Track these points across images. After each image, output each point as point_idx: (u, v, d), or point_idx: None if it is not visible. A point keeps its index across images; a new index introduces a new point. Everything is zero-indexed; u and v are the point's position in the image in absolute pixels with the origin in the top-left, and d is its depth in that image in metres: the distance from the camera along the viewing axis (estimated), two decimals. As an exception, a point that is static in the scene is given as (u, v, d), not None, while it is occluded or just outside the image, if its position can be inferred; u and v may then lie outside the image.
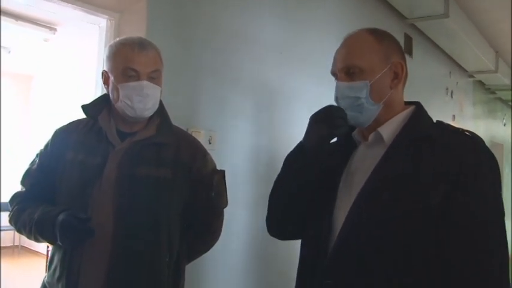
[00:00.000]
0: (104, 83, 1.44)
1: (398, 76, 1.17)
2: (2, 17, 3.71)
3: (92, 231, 1.27)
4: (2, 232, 5.84)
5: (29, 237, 1.42)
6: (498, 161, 1.11)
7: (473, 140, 1.10)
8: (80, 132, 1.44)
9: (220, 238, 1.65)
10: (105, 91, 1.48)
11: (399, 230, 1.04)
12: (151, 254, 1.38)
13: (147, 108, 1.39)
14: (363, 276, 1.07)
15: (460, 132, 1.13)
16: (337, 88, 1.17)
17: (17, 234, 6.25)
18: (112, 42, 1.45)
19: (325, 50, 3.10)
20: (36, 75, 7.07)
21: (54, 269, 1.37)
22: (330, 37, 3.08)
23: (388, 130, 1.16)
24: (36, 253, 6.14)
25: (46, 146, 1.48)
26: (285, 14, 2.72)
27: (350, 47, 1.19)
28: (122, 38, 1.45)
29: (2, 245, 6.02)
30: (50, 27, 4.32)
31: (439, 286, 1.01)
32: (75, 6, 1.92)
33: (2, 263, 5.55)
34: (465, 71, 6.00)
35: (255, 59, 2.49)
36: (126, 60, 1.36)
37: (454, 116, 5.51)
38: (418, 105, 1.21)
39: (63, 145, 1.43)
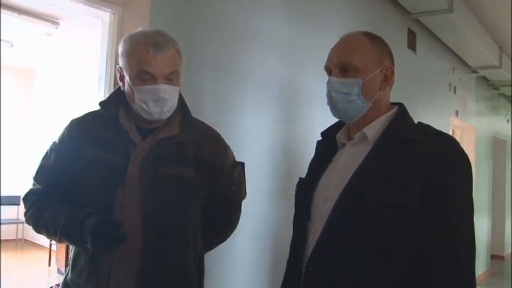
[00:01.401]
0: (119, 80, 1.38)
1: (388, 79, 1.26)
2: (5, 11, 3.71)
3: (125, 237, 1.23)
4: (5, 225, 5.87)
5: (49, 238, 1.38)
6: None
7: (450, 142, 1.20)
8: (97, 128, 1.37)
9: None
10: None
11: (379, 224, 1.13)
12: (180, 254, 1.36)
13: (164, 111, 1.33)
14: (345, 264, 1.16)
15: (439, 134, 1.21)
16: (331, 83, 1.27)
17: (19, 227, 6.28)
18: (127, 36, 1.35)
19: (328, 44, 3.08)
20: (38, 69, 7.08)
21: (81, 270, 1.33)
22: (333, 31, 3.07)
23: (373, 130, 1.25)
24: (39, 246, 6.17)
25: (61, 139, 1.40)
26: (289, 8, 2.71)
27: (347, 45, 1.27)
28: (136, 32, 1.36)
29: (5, 238, 6.06)
30: (52, 21, 4.32)
31: (417, 277, 1.11)
32: (78, -1, 1.92)
33: (5, 256, 5.59)
34: (469, 66, 5.97)
35: (259, 53, 2.48)
36: (141, 63, 1.28)
37: (457, 111, 5.49)
38: (401, 107, 1.30)
39: (81, 140, 1.36)
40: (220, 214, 1.54)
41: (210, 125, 2.16)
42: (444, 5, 3.95)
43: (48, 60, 6.36)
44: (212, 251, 1.77)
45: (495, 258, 7.28)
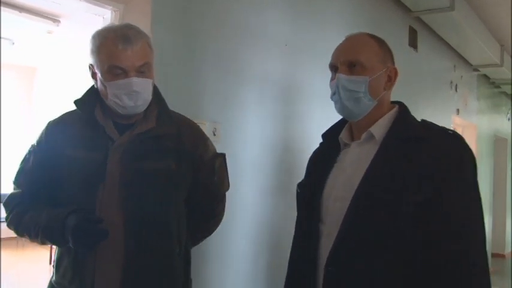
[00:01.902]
0: (92, 77, 1.37)
1: (391, 80, 1.30)
2: (6, 9, 3.70)
3: (105, 233, 1.23)
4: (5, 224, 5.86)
5: (33, 241, 1.36)
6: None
7: (457, 139, 1.21)
8: (75, 126, 1.37)
9: (226, 227, 1.65)
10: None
11: (396, 222, 1.14)
12: (164, 248, 1.36)
13: (138, 105, 1.32)
14: (364, 263, 1.17)
15: (444, 131, 1.24)
16: (339, 79, 1.28)
17: (20, 226, 6.28)
18: (95, 32, 1.34)
19: (330, 41, 3.08)
20: (39, 67, 7.07)
21: (64, 271, 1.32)
22: (334, 29, 3.07)
23: (379, 129, 1.27)
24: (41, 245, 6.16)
25: (39, 141, 1.40)
26: (290, 6, 2.70)
27: (354, 44, 1.31)
28: (104, 27, 1.35)
29: (5, 236, 6.06)
30: (53, 19, 4.31)
31: (433, 274, 1.12)
32: (79, -3, 1.91)
33: (6, 254, 5.59)
34: (470, 64, 5.96)
35: (260, 50, 2.48)
36: (111, 58, 1.27)
37: (458, 110, 5.49)
38: (402, 105, 1.33)
39: (60, 140, 1.36)
40: (203, 206, 1.54)
41: (212, 122, 2.17)
42: (446, 3, 3.94)
43: (49, 58, 6.35)
44: (210, 247, 1.76)
45: (496, 256, 7.27)
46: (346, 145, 1.34)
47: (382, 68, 1.27)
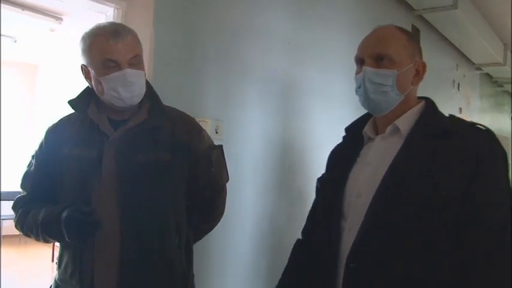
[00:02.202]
0: (85, 77, 1.41)
1: (420, 74, 1.26)
2: (9, 7, 3.70)
3: (97, 223, 1.26)
4: (8, 221, 5.88)
5: (37, 240, 1.40)
6: (506, 153, 1.19)
7: (487, 133, 1.17)
8: (72, 127, 1.41)
9: (228, 223, 1.65)
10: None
11: (421, 218, 1.10)
12: (161, 238, 1.38)
13: (134, 95, 1.36)
14: (386, 260, 1.13)
15: (473, 125, 1.20)
16: (366, 72, 1.23)
17: (23, 223, 6.29)
18: (83, 34, 1.38)
19: (332, 40, 3.09)
20: (41, 65, 7.08)
21: (66, 266, 1.36)
22: (337, 28, 3.06)
23: (404, 122, 1.23)
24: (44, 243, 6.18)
25: (40, 146, 1.46)
26: (292, 4, 2.70)
27: (382, 36, 1.26)
28: (93, 27, 1.38)
29: (7, 234, 6.07)
30: (56, 17, 4.31)
31: (461, 271, 1.07)
32: (82, -6, 1.92)
33: (8, 251, 5.60)
34: (472, 63, 5.95)
35: (262, 48, 2.47)
36: (103, 52, 1.31)
37: (460, 108, 5.48)
38: (429, 100, 1.29)
39: (57, 142, 1.41)
40: (203, 198, 1.56)
41: (214, 120, 2.17)
42: (448, 1, 3.93)
43: (52, 56, 6.36)
44: (211, 244, 1.76)
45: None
46: (370, 139, 1.30)
47: (411, 62, 1.24)
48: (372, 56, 1.23)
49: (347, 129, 1.41)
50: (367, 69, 1.23)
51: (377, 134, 1.29)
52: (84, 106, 1.41)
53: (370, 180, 1.19)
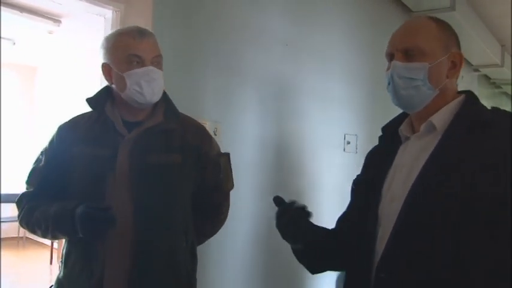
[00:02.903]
0: (106, 76, 1.43)
1: (456, 66, 1.16)
2: (8, 9, 3.70)
3: (114, 219, 1.27)
4: (7, 223, 5.87)
5: (44, 236, 1.41)
6: None
7: None
8: (85, 126, 1.43)
9: (227, 226, 1.67)
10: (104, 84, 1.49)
11: (456, 224, 1.00)
12: (171, 241, 1.40)
13: (155, 92, 1.40)
14: (417, 270, 1.03)
15: None
16: (394, 67, 1.14)
17: (21, 225, 6.27)
18: (108, 34, 1.45)
19: (330, 41, 3.10)
20: (40, 67, 7.08)
21: (73, 265, 1.36)
22: (335, 29, 3.07)
23: (440, 119, 1.13)
24: (41, 244, 6.17)
25: (51, 142, 1.46)
26: (291, 6, 2.70)
27: (412, 28, 1.17)
28: (117, 29, 1.45)
29: (6, 236, 6.06)
30: (54, 19, 4.32)
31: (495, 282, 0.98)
32: (80, -3, 1.92)
33: (6, 254, 5.60)
34: (470, 64, 5.95)
35: (261, 50, 2.48)
36: (129, 48, 1.37)
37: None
38: (469, 93, 1.19)
39: (70, 140, 1.41)
40: (210, 202, 1.59)
41: (213, 122, 2.17)
42: (446, 3, 3.94)
43: (50, 58, 6.36)
44: (210, 246, 1.77)
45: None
46: (407, 138, 1.20)
47: (444, 54, 1.13)
48: (400, 49, 1.14)
49: (384, 129, 1.32)
50: (396, 63, 1.14)
51: (414, 132, 1.20)
52: (101, 104, 1.44)
53: (403, 184, 1.10)
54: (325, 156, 2.91)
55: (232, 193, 1.70)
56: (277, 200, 1.21)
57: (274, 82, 2.58)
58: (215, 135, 2.15)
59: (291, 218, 1.18)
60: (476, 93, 1.22)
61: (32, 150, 6.40)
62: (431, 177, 1.06)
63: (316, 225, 1.24)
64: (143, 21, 1.92)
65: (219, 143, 1.67)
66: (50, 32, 4.74)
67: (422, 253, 1.03)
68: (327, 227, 1.30)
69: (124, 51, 1.37)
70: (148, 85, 1.37)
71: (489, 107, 1.16)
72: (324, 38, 2.95)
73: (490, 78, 6.75)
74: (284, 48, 2.64)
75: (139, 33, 1.40)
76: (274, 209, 1.23)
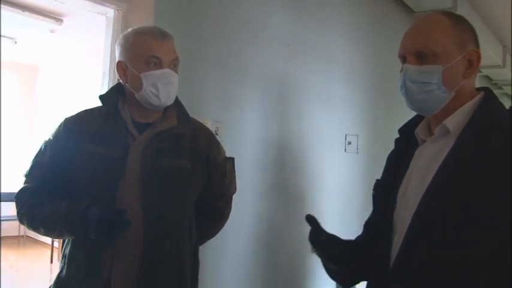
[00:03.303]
0: (120, 75, 1.40)
1: (473, 66, 1.09)
2: (9, 8, 3.71)
3: (129, 222, 1.25)
4: (7, 222, 5.88)
5: (47, 234, 1.38)
6: None
7: None
8: (94, 122, 1.39)
9: (228, 226, 1.69)
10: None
11: (471, 232, 0.96)
12: (178, 244, 1.39)
13: (171, 96, 1.39)
14: (429, 281, 1.00)
15: None
16: (406, 71, 1.08)
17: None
18: (127, 32, 1.42)
19: (332, 42, 3.10)
20: (42, 66, 7.09)
21: (79, 265, 1.33)
22: (336, 30, 3.07)
23: (455, 121, 1.07)
24: (41, 243, 6.18)
25: (56, 136, 1.40)
26: (292, 7, 2.70)
27: (423, 28, 1.10)
28: (137, 28, 1.42)
29: (6, 235, 6.07)
30: (56, 18, 4.32)
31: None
32: (82, -5, 1.92)
33: (6, 253, 5.60)
34: (472, 65, 5.95)
35: (263, 50, 2.48)
36: (150, 49, 1.35)
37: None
38: (487, 91, 1.12)
39: (78, 135, 1.37)
40: (214, 206, 1.60)
41: (214, 122, 2.17)
42: (448, 4, 3.94)
43: (52, 57, 6.37)
44: (211, 246, 1.77)
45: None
46: (423, 141, 1.15)
47: (460, 53, 1.06)
48: (412, 52, 1.08)
49: (400, 131, 1.25)
50: (408, 67, 1.08)
51: (430, 135, 1.14)
52: (113, 103, 1.41)
53: (417, 190, 1.06)
54: (326, 157, 2.91)
55: (233, 193, 1.71)
56: (310, 220, 1.20)
57: (276, 82, 2.58)
58: (217, 135, 2.15)
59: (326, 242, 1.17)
60: None
61: (32, 149, 6.37)
62: (442, 186, 1.01)
63: (346, 241, 1.21)
64: (145, 20, 1.92)
65: (220, 142, 1.67)
66: (52, 31, 4.74)
67: (432, 263, 0.99)
68: (352, 238, 1.28)
69: (144, 51, 1.35)
70: (164, 88, 1.35)
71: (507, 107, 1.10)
72: (326, 38, 2.94)
73: (491, 79, 6.74)
74: (286, 48, 2.64)
75: (161, 35, 1.38)
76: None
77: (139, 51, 1.35)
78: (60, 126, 1.42)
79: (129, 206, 1.30)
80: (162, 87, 1.35)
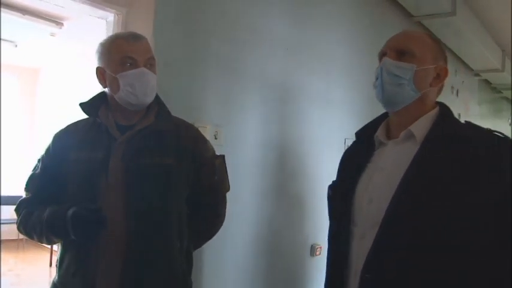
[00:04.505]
0: (100, 80, 1.46)
1: (440, 78, 1.24)
2: (9, 11, 3.72)
3: (104, 220, 1.27)
4: (7, 225, 5.87)
5: (40, 240, 1.42)
6: None
7: (506, 140, 1.15)
8: (80, 132, 1.45)
9: (227, 228, 1.68)
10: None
11: (440, 226, 1.06)
12: (164, 242, 1.40)
13: (148, 93, 1.41)
14: (404, 271, 1.08)
15: (491, 132, 1.17)
16: (385, 63, 1.22)
17: (21, 227, 6.25)
18: (103, 39, 1.49)
19: (331, 46, 3.11)
20: (42, 69, 7.10)
21: (67, 267, 1.37)
22: (335, 33, 3.08)
23: (419, 128, 1.19)
24: (40, 246, 6.16)
25: (47, 150, 1.48)
26: (292, 10, 2.71)
27: (408, 34, 1.26)
28: (112, 34, 1.49)
29: (6, 238, 6.06)
30: (56, 21, 4.33)
31: (478, 281, 1.05)
32: (82, 0, 1.93)
33: (6, 256, 5.59)
34: (471, 69, 5.96)
35: (262, 54, 2.49)
36: (123, 50, 1.40)
37: (459, 114, 5.48)
38: (442, 105, 1.27)
39: (65, 146, 1.44)
40: (205, 206, 1.59)
41: (214, 126, 2.17)
42: (447, 8, 3.95)
43: (52, 60, 6.38)
44: (210, 249, 1.77)
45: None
46: (382, 144, 1.27)
47: (433, 63, 1.22)
48: (394, 49, 1.22)
49: (357, 134, 1.38)
50: (387, 60, 1.22)
51: (389, 138, 1.26)
52: (94, 109, 1.46)
53: (383, 186, 1.16)
54: (325, 160, 2.91)
55: (233, 196, 1.71)
56: None
57: (275, 86, 2.58)
58: (216, 138, 2.16)
59: None
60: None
61: (33, 152, 6.41)
62: (415, 180, 1.12)
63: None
64: (145, 25, 1.93)
65: (220, 147, 1.68)
66: (52, 35, 4.75)
67: (408, 254, 1.08)
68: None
69: (118, 53, 1.40)
70: (140, 86, 1.39)
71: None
72: (326, 42, 2.95)
73: (490, 83, 6.76)
74: (285, 52, 2.65)
75: (133, 36, 1.44)
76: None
77: (114, 54, 1.41)
78: (50, 141, 1.50)
79: (112, 206, 1.33)
80: (138, 86, 1.38)
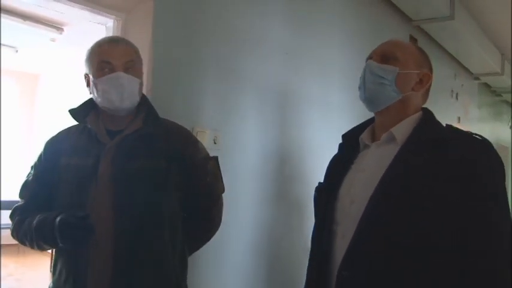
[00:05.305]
0: (87, 85, 1.47)
1: (423, 83, 1.28)
2: (10, 17, 3.74)
3: (91, 227, 1.27)
4: (7, 230, 5.86)
5: (32, 247, 1.42)
6: (503, 163, 1.19)
7: (484, 143, 1.18)
8: (71, 138, 1.46)
9: (227, 234, 1.66)
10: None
11: (416, 227, 1.09)
12: (155, 246, 1.39)
13: (124, 98, 1.40)
14: (380, 269, 1.12)
15: (471, 135, 1.20)
16: (368, 65, 1.28)
17: (22, 232, 6.26)
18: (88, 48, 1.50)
19: (330, 50, 3.12)
20: (42, 74, 7.12)
21: (60, 272, 1.37)
22: (334, 38, 3.09)
23: (401, 131, 1.23)
24: (41, 251, 6.16)
25: (39, 157, 1.49)
26: (290, 15, 2.72)
27: (394, 41, 1.33)
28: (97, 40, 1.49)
29: (6, 243, 6.05)
30: (57, 27, 4.35)
31: (452, 280, 1.07)
32: (82, 6, 1.94)
33: (6, 261, 5.58)
34: (470, 73, 5.97)
35: (261, 58, 2.49)
36: (100, 55, 1.40)
37: (459, 118, 5.49)
38: (426, 110, 1.30)
39: (56, 153, 1.44)
40: (198, 209, 1.58)
41: (212, 131, 2.18)
42: (446, 12, 3.96)
43: (52, 66, 6.40)
44: (209, 255, 1.76)
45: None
46: (366, 146, 1.31)
47: (416, 69, 1.26)
48: (379, 53, 1.28)
49: (344, 136, 1.42)
50: (371, 62, 1.28)
51: (374, 141, 1.30)
52: (83, 115, 1.46)
53: (364, 187, 1.19)
54: (325, 165, 2.91)
55: (232, 201, 1.70)
56: None
57: (275, 90, 2.59)
58: (215, 143, 2.16)
59: None
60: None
61: (32, 158, 6.39)
62: (394, 181, 1.15)
63: None
64: (144, 30, 1.94)
65: (219, 151, 1.67)
66: (53, 40, 4.77)
67: (384, 252, 1.12)
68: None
69: (95, 58, 1.41)
70: (116, 91, 1.38)
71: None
72: (324, 46, 2.96)
73: (490, 87, 6.77)
74: (284, 56, 2.66)
75: (110, 40, 1.44)
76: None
77: (92, 60, 1.42)
78: (42, 149, 1.51)
79: (101, 212, 1.33)
80: (113, 91, 1.38)
